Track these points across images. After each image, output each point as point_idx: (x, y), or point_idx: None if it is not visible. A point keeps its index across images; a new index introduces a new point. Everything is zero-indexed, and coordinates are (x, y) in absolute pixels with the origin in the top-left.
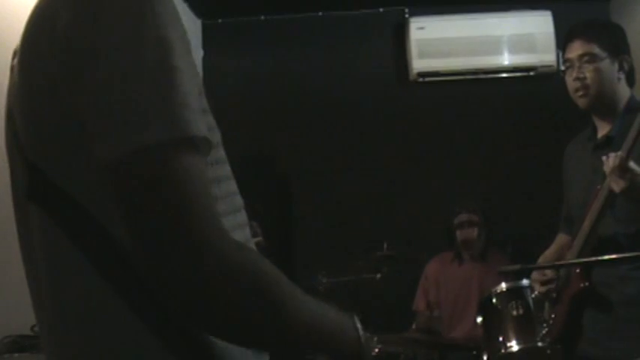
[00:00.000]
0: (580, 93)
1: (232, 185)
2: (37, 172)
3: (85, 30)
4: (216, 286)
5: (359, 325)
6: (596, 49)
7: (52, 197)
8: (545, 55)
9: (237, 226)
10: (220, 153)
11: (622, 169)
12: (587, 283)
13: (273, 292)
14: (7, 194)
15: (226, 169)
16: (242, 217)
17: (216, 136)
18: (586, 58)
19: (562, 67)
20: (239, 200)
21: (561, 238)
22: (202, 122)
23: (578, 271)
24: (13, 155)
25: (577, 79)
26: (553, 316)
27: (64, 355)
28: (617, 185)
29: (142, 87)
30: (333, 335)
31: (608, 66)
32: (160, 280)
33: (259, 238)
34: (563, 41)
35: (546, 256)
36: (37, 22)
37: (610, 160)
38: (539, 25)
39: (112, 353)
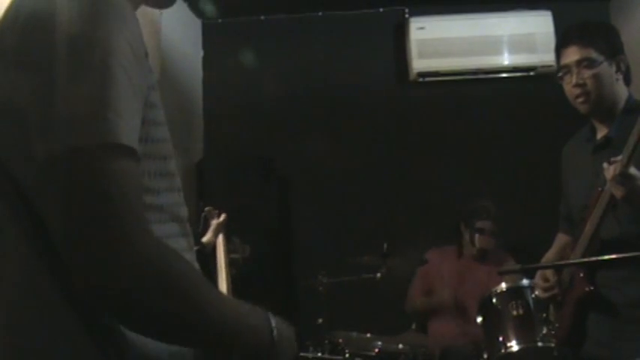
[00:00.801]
0: (581, 99)
1: (176, 197)
2: None
3: (37, 28)
4: (127, 275)
5: (274, 323)
6: (593, 54)
7: (6, 190)
8: (545, 55)
9: (174, 235)
10: (169, 166)
11: (623, 176)
12: (591, 287)
13: (181, 287)
14: None
15: (173, 182)
16: (182, 227)
17: (164, 149)
18: (584, 63)
19: (559, 75)
20: (183, 211)
21: (561, 238)
22: (133, 132)
23: (582, 275)
24: None
25: (577, 85)
26: (558, 320)
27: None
28: (618, 192)
29: (78, 90)
30: (242, 333)
31: (607, 69)
32: (77, 269)
33: (237, 255)
34: (556, 46)
35: (548, 258)
36: (3, 17)
37: (611, 168)
38: (539, 25)
39: (36, 345)
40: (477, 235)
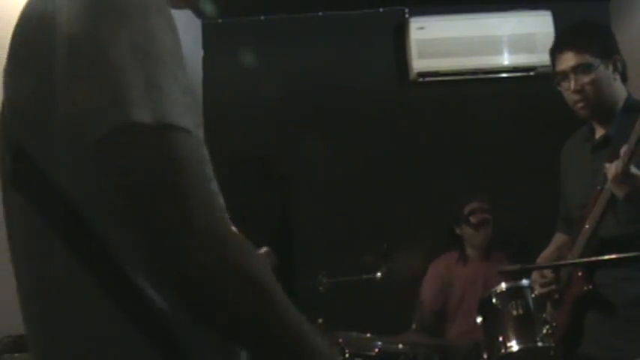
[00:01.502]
0: (580, 105)
1: (215, 186)
2: (22, 157)
3: (84, 23)
4: (205, 249)
5: (330, 348)
6: (589, 58)
7: (34, 184)
8: (545, 55)
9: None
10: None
11: (625, 175)
12: (590, 286)
13: (260, 281)
14: None
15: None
16: None
17: (201, 135)
18: (581, 69)
19: (556, 82)
20: (221, 201)
21: (559, 238)
22: (189, 117)
23: (580, 274)
24: (2, 143)
25: (576, 91)
26: (555, 319)
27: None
28: (620, 191)
29: (134, 74)
30: (308, 344)
31: (603, 72)
32: (149, 244)
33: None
34: (551, 51)
35: (544, 256)
36: (31, 15)
37: (612, 167)
38: (539, 25)
39: (90, 343)
40: (470, 218)
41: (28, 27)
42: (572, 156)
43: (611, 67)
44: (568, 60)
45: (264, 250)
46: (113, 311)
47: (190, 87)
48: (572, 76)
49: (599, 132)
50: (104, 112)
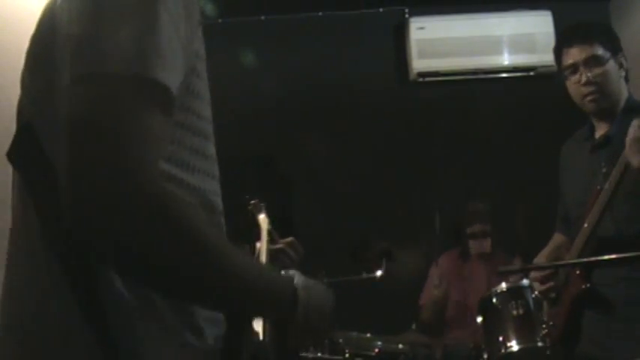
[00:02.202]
0: (590, 98)
1: (213, 184)
2: (28, 136)
3: (82, 13)
4: (133, 211)
5: (298, 282)
6: (600, 51)
7: (35, 165)
8: (545, 55)
9: (216, 225)
10: (209, 148)
11: None
12: (587, 285)
13: (198, 233)
14: (6, 195)
15: (212, 167)
16: (215, 218)
17: (206, 127)
18: (592, 61)
19: (564, 75)
20: (218, 202)
21: (558, 238)
22: (172, 75)
23: (578, 272)
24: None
25: (587, 84)
26: (552, 317)
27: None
28: (636, 158)
29: (117, 28)
30: (266, 288)
31: (613, 66)
32: (73, 199)
33: (279, 246)
34: (558, 47)
35: (542, 255)
36: (44, 12)
37: (631, 130)
38: (539, 25)
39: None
40: (470, 241)
41: (40, 23)
42: (571, 155)
43: (618, 64)
44: (578, 53)
45: (290, 239)
46: (68, 296)
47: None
48: (582, 69)
49: (600, 131)
50: (73, 62)
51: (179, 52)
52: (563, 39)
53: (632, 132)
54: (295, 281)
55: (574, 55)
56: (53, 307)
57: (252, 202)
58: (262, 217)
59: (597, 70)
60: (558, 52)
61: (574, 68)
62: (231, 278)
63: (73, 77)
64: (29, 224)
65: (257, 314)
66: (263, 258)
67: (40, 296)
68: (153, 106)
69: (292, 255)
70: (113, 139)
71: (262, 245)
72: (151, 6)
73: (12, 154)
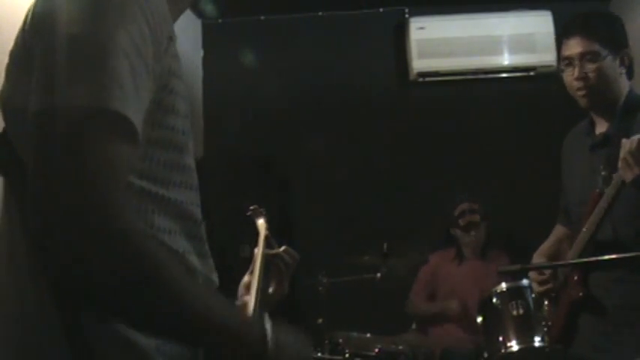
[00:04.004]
0: (582, 93)
1: (190, 195)
2: (5, 141)
3: (45, 13)
4: (95, 246)
5: (268, 326)
6: (597, 47)
7: (13, 168)
8: (545, 55)
9: (181, 234)
10: (184, 160)
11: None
12: (583, 293)
13: (156, 269)
14: None
15: (188, 178)
16: (194, 229)
17: (180, 140)
18: (588, 57)
19: (561, 67)
20: (197, 212)
21: (559, 230)
22: (133, 105)
23: (576, 278)
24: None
25: (579, 78)
26: (551, 318)
27: None
28: (628, 173)
29: (82, 60)
30: (228, 328)
31: (610, 63)
32: (37, 230)
33: (275, 251)
34: (559, 38)
35: (544, 249)
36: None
37: (623, 148)
38: (539, 25)
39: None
40: (459, 220)
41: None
42: (572, 150)
43: (618, 61)
44: (575, 46)
45: (283, 248)
46: (49, 309)
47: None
48: (577, 63)
49: (599, 127)
50: (45, 91)
51: (143, 76)
52: (565, 29)
53: (623, 149)
54: (265, 325)
55: (571, 47)
56: (35, 318)
57: (252, 207)
58: (261, 223)
59: (591, 66)
60: (559, 42)
61: (569, 61)
62: (192, 314)
63: (36, 109)
64: (12, 228)
65: (221, 351)
66: (258, 263)
67: (20, 300)
68: (115, 137)
69: (288, 260)
70: (76, 175)
71: (258, 251)
72: (112, 32)
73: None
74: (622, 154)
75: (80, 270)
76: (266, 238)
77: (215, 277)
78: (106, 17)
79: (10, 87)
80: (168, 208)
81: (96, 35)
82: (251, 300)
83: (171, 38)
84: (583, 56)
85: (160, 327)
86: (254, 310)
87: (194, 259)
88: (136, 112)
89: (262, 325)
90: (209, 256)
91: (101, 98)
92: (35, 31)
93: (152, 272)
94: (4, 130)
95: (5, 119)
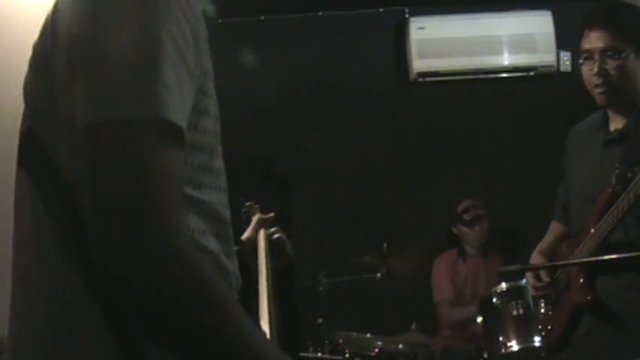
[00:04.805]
0: (600, 90)
1: (220, 196)
2: (32, 137)
3: (83, 16)
4: (153, 269)
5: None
6: (620, 43)
7: (40, 166)
8: (545, 55)
9: (213, 234)
10: (215, 162)
11: None
12: (591, 296)
13: (211, 296)
14: (6, 194)
15: (219, 180)
16: (224, 229)
17: (212, 143)
18: (609, 52)
19: (579, 60)
20: (226, 213)
21: (556, 228)
22: (182, 110)
23: (582, 281)
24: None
25: (599, 74)
26: (550, 320)
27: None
28: None
29: (125, 60)
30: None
31: (633, 61)
32: (99, 254)
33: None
34: (581, 26)
35: (542, 248)
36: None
37: None
38: (539, 25)
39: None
40: (463, 216)
41: (42, 31)
42: (581, 143)
43: None
44: (597, 39)
45: (277, 236)
46: (85, 306)
47: (202, 73)
48: (597, 58)
49: (615, 123)
50: (93, 103)
51: (187, 80)
52: (588, 19)
53: None
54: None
55: (592, 40)
56: (71, 312)
57: (247, 203)
58: (256, 219)
59: (613, 63)
60: (580, 31)
61: (589, 54)
62: (240, 346)
63: (86, 123)
64: (40, 224)
65: None
66: (264, 264)
67: (55, 298)
68: (169, 148)
69: (283, 237)
70: (139, 198)
71: (261, 252)
72: (156, 37)
73: (19, 158)
74: None
75: (143, 294)
76: (260, 221)
77: (239, 273)
78: (150, 18)
79: (34, 81)
80: (200, 209)
81: (141, 38)
82: (265, 325)
83: (207, 39)
84: (604, 51)
85: (205, 353)
86: (270, 335)
87: (224, 259)
88: (185, 120)
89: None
90: (235, 256)
91: (154, 107)
92: (70, 33)
93: (208, 299)
94: (29, 125)
95: (29, 111)
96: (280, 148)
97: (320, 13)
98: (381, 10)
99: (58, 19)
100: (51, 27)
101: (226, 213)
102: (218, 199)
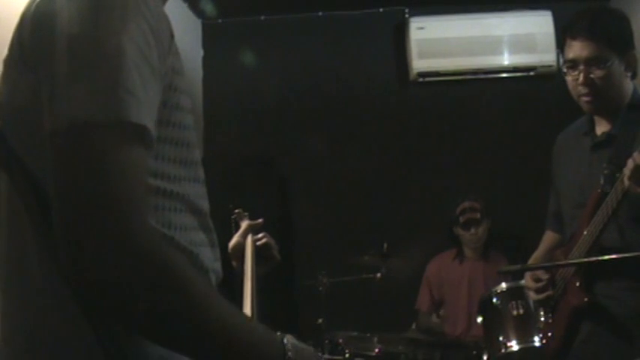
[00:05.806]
0: (587, 99)
1: (197, 188)
2: (3, 139)
3: (43, 26)
4: (122, 266)
5: (288, 342)
6: (605, 52)
7: (13, 165)
8: (545, 55)
9: (192, 227)
10: (192, 155)
11: None
12: (588, 298)
13: (184, 286)
14: None
15: (196, 173)
16: (203, 221)
17: (187, 136)
18: (595, 61)
19: (563, 69)
20: (204, 205)
21: (549, 237)
22: (146, 111)
23: (578, 284)
24: None
25: (584, 84)
26: (550, 328)
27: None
28: (638, 187)
29: (89, 68)
30: (252, 346)
31: (617, 68)
32: (66, 255)
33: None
34: (563, 34)
35: (536, 258)
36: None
37: (630, 162)
38: (539, 25)
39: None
40: (460, 218)
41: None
42: (569, 150)
43: (624, 64)
44: (581, 49)
45: (263, 241)
46: (64, 305)
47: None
48: (582, 67)
49: (601, 127)
50: (59, 107)
51: (151, 80)
52: (570, 28)
53: (630, 163)
54: (285, 341)
55: (576, 50)
56: (53, 317)
57: (237, 210)
58: (245, 224)
59: (598, 72)
60: (563, 40)
61: (574, 63)
62: (221, 333)
63: (52, 128)
64: (17, 221)
65: None
66: (249, 269)
67: (39, 304)
68: (135, 149)
69: (270, 242)
70: (104, 198)
71: (247, 257)
72: (116, 41)
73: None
74: (627, 173)
75: (117, 292)
76: (249, 226)
77: (219, 266)
78: (110, 24)
79: (7, 88)
80: (180, 204)
81: (101, 44)
82: (247, 306)
83: (172, 35)
84: (589, 60)
85: (186, 342)
86: (252, 315)
87: (207, 252)
88: (151, 119)
89: (281, 339)
90: (217, 246)
91: (116, 110)
92: (36, 37)
93: (182, 290)
94: (1, 128)
95: (1, 114)
96: (280, 147)
97: (320, 13)
98: (381, 10)
99: (24, 28)
100: (17, 38)
101: (205, 204)
102: (196, 191)
